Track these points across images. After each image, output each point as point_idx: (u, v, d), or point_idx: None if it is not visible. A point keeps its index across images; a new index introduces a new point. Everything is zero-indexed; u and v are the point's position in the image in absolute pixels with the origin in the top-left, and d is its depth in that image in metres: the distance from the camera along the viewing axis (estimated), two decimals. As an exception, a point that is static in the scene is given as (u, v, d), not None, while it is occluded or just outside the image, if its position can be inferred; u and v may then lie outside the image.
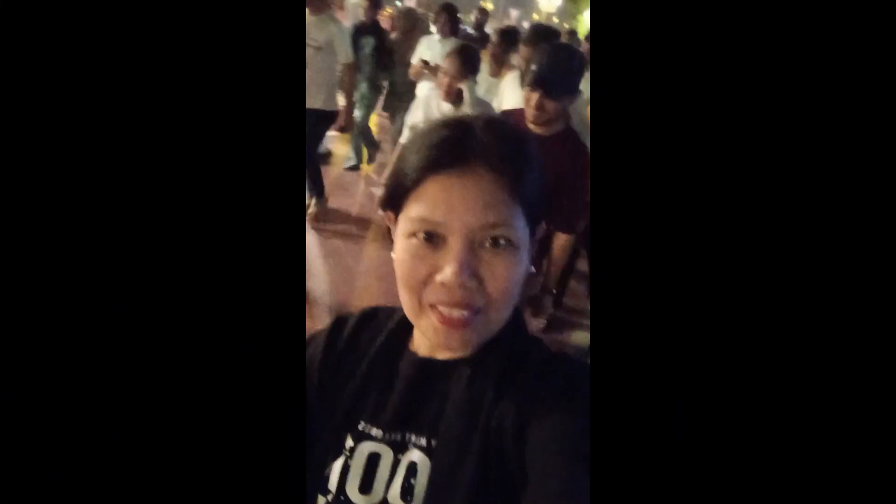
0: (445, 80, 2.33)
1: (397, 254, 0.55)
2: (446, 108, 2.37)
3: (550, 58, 1.68)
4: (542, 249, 1.88)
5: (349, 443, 0.58)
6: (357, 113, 4.67)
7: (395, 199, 0.55)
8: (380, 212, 0.61)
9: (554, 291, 2.08)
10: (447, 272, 0.51)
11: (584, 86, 2.02)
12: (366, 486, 0.55)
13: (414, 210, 0.52)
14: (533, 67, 1.68)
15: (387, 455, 0.56)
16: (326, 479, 0.57)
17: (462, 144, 0.52)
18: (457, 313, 0.52)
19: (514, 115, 1.85)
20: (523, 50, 2.86)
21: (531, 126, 1.76)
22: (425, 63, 3.59)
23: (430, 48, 3.74)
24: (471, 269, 0.51)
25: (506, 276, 0.52)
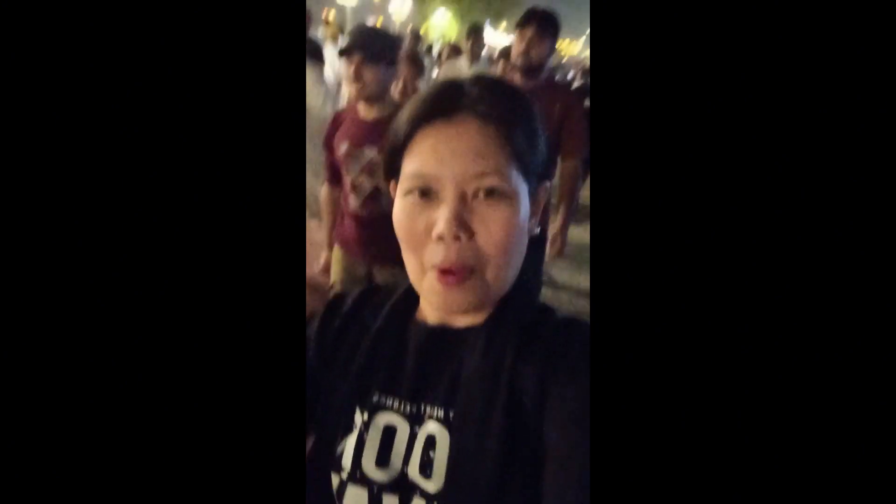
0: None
1: (395, 214, 0.54)
2: None
3: (362, 31, 1.80)
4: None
5: (363, 417, 0.56)
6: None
7: (392, 162, 0.56)
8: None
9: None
10: (439, 224, 0.50)
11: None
12: (382, 460, 0.54)
13: (408, 167, 0.53)
14: (348, 40, 1.76)
15: (403, 427, 0.55)
16: (339, 456, 0.56)
17: (451, 97, 0.53)
18: (453, 275, 0.51)
19: (348, 111, 1.88)
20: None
21: (360, 109, 1.82)
22: None
23: None
24: (463, 219, 0.50)
25: (501, 228, 0.51)
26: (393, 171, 0.56)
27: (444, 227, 0.50)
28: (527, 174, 0.53)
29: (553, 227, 2.19)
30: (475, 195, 0.51)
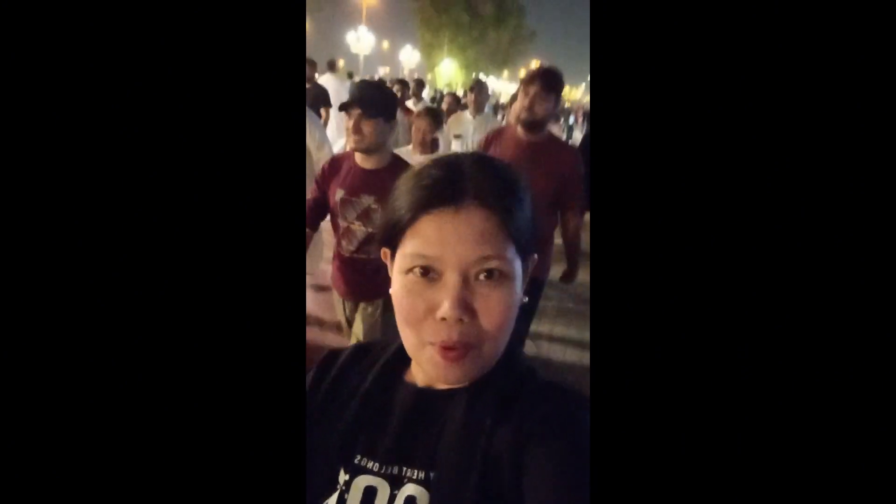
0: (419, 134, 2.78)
1: (395, 290, 0.56)
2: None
3: (363, 86, 1.94)
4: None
5: (344, 477, 0.58)
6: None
7: (391, 236, 0.57)
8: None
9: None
10: (444, 307, 0.52)
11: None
12: None
13: (409, 247, 0.54)
14: (349, 95, 1.89)
15: (383, 489, 0.56)
16: None
17: (454, 182, 0.54)
18: (455, 351, 0.53)
19: (345, 159, 1.99)
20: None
21: (357, 159, 1.92)
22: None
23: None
24: (466, 302, 0.53)
25: (500, 307, 0.54)
26: (389, 242, 0.58)
27: (449, 312, 0.52)
28: (521, 252, 0.56)
29: (562, 270, 2.44)
30: (476, 276, 0.53)
